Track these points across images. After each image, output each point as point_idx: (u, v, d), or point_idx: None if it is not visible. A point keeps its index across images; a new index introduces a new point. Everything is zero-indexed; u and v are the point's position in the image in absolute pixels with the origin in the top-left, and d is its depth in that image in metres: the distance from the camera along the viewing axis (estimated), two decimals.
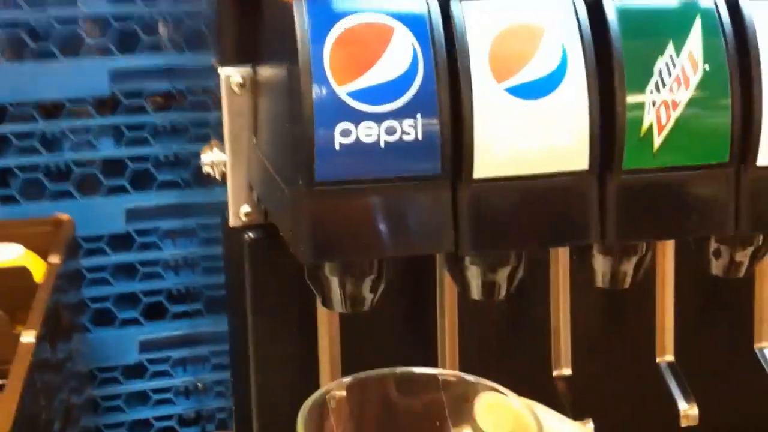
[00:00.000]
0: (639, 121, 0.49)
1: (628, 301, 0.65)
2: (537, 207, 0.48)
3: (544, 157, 0.48)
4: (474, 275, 0.53)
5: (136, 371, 1.06)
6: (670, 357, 0.67)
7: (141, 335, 1.05)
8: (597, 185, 0.49)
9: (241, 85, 0.58)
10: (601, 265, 0.55)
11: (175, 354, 1.06)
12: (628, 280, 0.55)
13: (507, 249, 0.50)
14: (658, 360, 0.68)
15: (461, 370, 0.56)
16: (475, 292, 0.54)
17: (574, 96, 0.48)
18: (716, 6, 0.50)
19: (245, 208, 0.60)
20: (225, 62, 0.58)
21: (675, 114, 0.49)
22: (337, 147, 0.45)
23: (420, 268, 0.60)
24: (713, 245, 0.57)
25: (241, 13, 0.59)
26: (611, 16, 0.49)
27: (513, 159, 0.48)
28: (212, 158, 0.61)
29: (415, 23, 0.47)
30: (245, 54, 0.59)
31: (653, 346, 0.67)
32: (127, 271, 1.06)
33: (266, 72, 0.55)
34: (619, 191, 0.49)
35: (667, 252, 0.65)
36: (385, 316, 0.59)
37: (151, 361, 1.05)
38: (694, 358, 0.67)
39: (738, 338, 0.68)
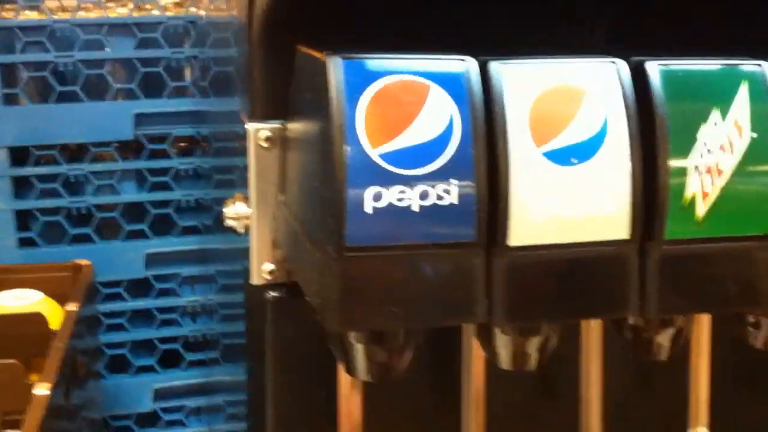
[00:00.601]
0: (682, 189, 0.47)
1: (661, 370, 0.62)
2: (574, 277, 0.46)
3: (583, 225, 0.45)
4: (505, 344, 0.51)
5: (150, 419, 1.04)
6: (704, 430, 0.65)
7: (156, 383, 1.03)
8: (637, 255, 0.47)
9: (270, 140, 0.56)
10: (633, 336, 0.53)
11: (190, 403, 1.04)
12: (665, 351, 0.53)
13: (541, 320, 0.48)
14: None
15: None
16: (505, 362, 0.51)
17: (615, 162, 0.46)
18: (763, 71, 0.49)
19: (268, 266, 0.58)
20: (254, 116, 0.56)
21: (720, 182, 0.47)
22: (370, 211, 0.43)
23: (447, 333, 0.58)
24: (752, 317, 0.55)
25: (273, 65, 0.57)
26: (655, 79, 0.47)
27: (550, 226, 0.45)
28: (236, 211, 0.59)
29: (451, 83, 0.45)
30: (275, 108, 0.57)
31: (686, 417, 0.64)
32: (144, 317, 1.04)
33: (297, 128, 0.53)
34: (660, 262, 0.47)
35: (702, 321, 0.62)
36: (410, 381, 0.57)
37: (166, 410, 1.03)
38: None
39: None
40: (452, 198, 0.44)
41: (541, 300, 0.46)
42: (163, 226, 1.04)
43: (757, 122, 0.48)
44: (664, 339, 0.52)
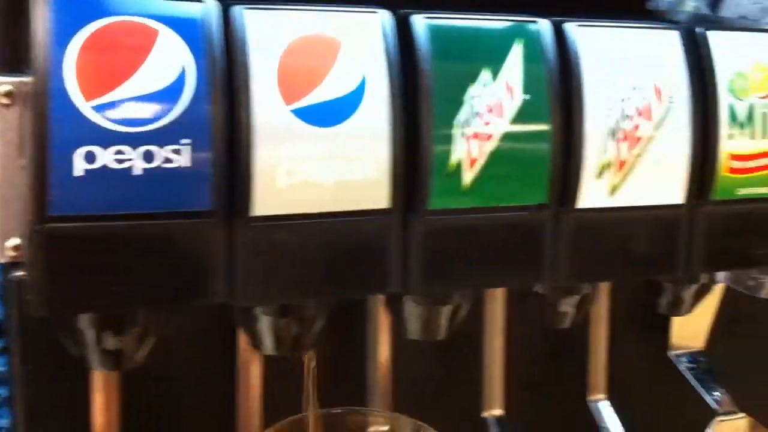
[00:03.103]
0: (446, 155, 0.41)
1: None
2: (329, 251, 0.40)
3: (339, 193, 0.39)
4: (267, 328, 0.45)
5: None
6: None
7: None
8: (399, 227, 0.41)
9: (11, 95, 0.47)
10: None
11: None
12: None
13: (283, 299, 0.41)
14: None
15: None
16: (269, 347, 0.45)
17: (374, 123, 0.39)
18: (540, 29, 0.44)
19: (13, 241, 0.49)
20: None
21: (488, 147, 0.42)
22: (80, 174, 0.36)
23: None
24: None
25: (14, 11, 0.49)
26: (420, 34, 0.41)
27: (300, 194, 0.39)
28: None
29: (185, 28, 0.37)
30: (19, 60, 0.48)
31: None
32: None
33: (27, 82, 0.45)
34: (423, 234, 0.42)
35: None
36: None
37: None
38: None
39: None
40: (183, 160, 0.37)
41: (293, 275, 0.40)
42: None
43: (530, 84, 0.43)
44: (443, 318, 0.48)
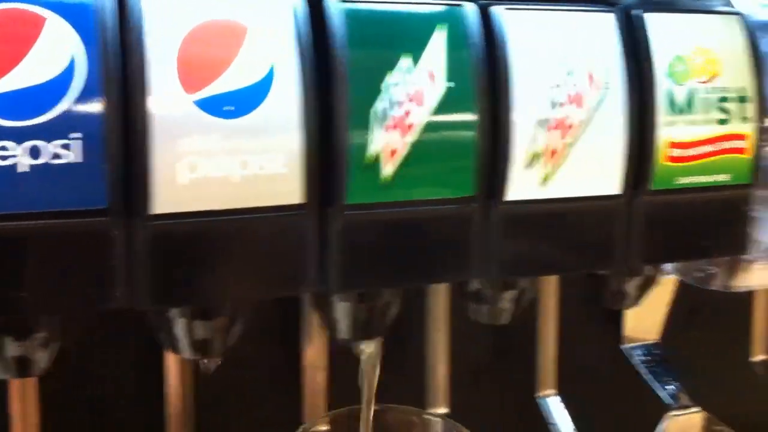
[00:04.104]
0: (363, 147, 0.38)
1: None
2: (239, 249, 0.37)
3: (247, 188, 0.36)
4: (182, 331, 0.42)
5: None
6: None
7: None
8: (315, 223, 0.39)
9: None
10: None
11: None
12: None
13: (197, 304, 0.39)
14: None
15: None
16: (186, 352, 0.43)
17: (284, 114, 0.37)
18: (464, 12, 0.41)
19: None
20: None
21: (409, 138, 0.40)
22: None
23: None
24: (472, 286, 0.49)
25: None
26: (335, 18, 0.39)
27: (205, 191, 0.36)
28: None
29: (76, 15, 0.35)
30: None
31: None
32: None
33: None
34: (341, 230, 0.39)
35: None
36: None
37: None
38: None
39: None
40: (74, 155, 0.34)
41: (201, 280, 0.37)
42: None
43: (454, 71, 0.40)
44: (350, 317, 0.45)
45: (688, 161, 0.45)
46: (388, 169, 0.39)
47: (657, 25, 0.44)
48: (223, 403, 0.54)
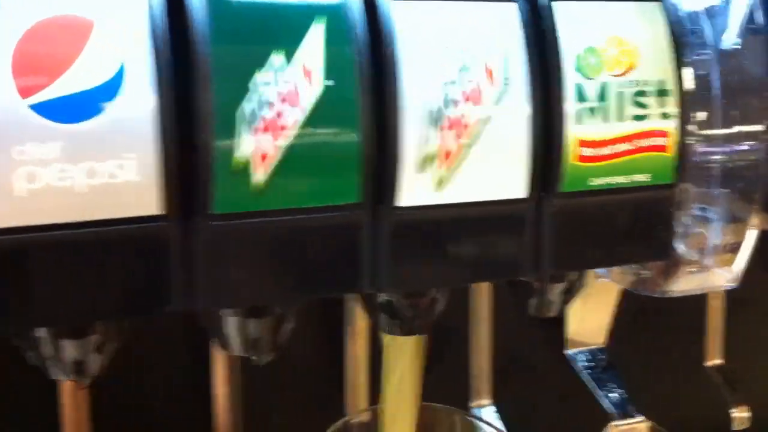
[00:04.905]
0: (230, 151, 0.35)
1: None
2: (87, 267, 0.33)
3: (96, 199, 0.33)
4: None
5: None
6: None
7: None
8: (178, 235, 0.35)
9: None
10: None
11: None
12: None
13: (37, 324, 0.36)
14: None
15: None
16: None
17: (136, 116, 0.33)
18: (345, 5, 0.38)
19: None
20: None
21: (283, 141, 0.37)
22: None
23: None
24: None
25: None
26: (198, 11, 0.34)
27: (46, 202, 0.33)
28: None
29: None
30: None
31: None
32: None
33: None
34: (208, 242, 0.35)
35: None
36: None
37: None
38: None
39: None
40: None
41: (41, 299, 0.34)
42: None
43: (333, 67, 0.37)
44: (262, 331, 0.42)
45: (602, 161, 0.41)
46: (259, 175, 0.35)
47: (566, 14, 0.40)
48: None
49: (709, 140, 0.48)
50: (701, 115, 0.49)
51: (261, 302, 0.38)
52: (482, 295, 0.57)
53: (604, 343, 0.62)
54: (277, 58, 0.36)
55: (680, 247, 0.49)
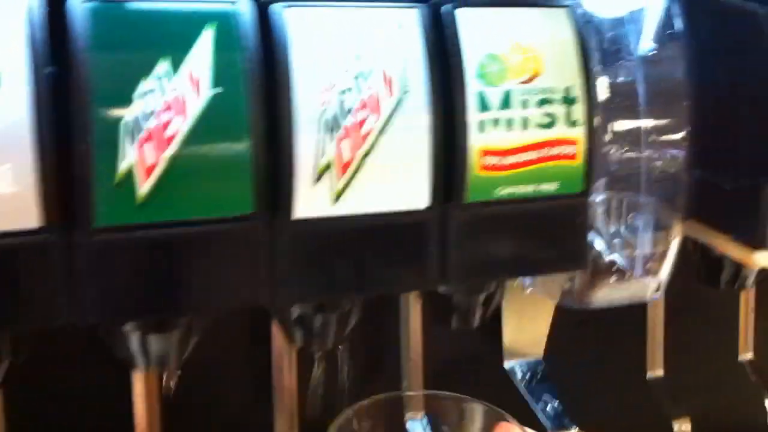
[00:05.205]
0: (112, 161, 0.34)
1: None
2: None
3: None
4: None
5: None
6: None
7: None
8: (61, 248, 0.34)
9: None
10: None
11: None
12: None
13: None
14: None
15: None
16: None
17: (12, 126, 0.32)
18: (236, 11, 0.37)
19: None
20: None
21: (168, 151, 0.36)
22: None
23: None
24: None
25: None
26: (78, 17, 0.34)
27: None
28: None
29: None
30: None
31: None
32: None
33: None
34: (91, 256, 0.34)
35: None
36: None
37: None
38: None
39: None
40: None
41: None
42: None
43: (222, 75, 0.36)
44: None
45: (508, 170, 0.40)
46: (144, 186, 0.34)
47: (469, 21, 0.40)
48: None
49: (630, 147, 0.48)
50: (622, 123, 0.49)
51: (148, 317, 0.37)
52: (415, 306, 0.56)
53: (543, 354, 0.62)
54: (162, 66, 0.35)
55: (607, 257, 0.49)
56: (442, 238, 0.40)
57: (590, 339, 0.64)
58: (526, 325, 0.61)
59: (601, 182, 0.52)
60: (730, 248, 0.50)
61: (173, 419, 0.48)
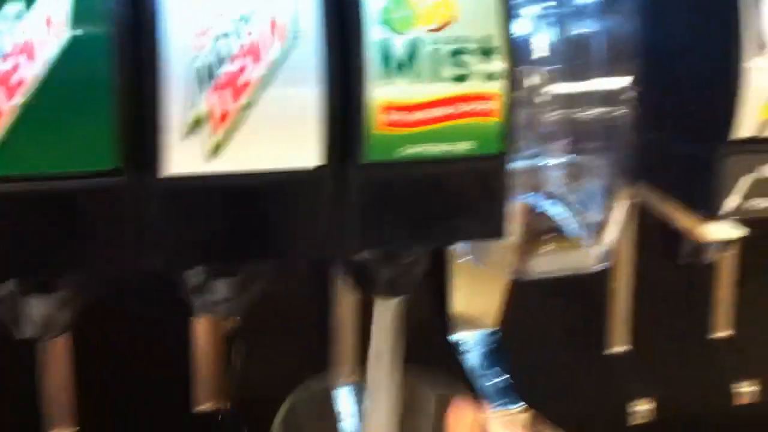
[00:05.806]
0: None
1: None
2: None
3: None
4: None
5: None
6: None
7: None
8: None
9: None
10: None
11: None
12: None
13: None
14: None
15: None
16: None
17: None
18: None
19: None
20: None
21: (18, 99, 0.32)
22: None
23: None
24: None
25: None
26: None
27: None
28: None
29: None
30: None
31: None
32: None
33: None
34: None
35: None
36: None
37: None
38: None
39: None
40: None
41: None
42: None
43: (83, 17, 0.32)
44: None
45: (414, 127, 0.36)
46: None
47: None
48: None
49: (561, 104, 0.44)
50: (569, 83, 0.45)
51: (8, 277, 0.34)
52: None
53: (495, 326, 0.58)
54: (13, 6, 0.32)
55: (562, 222, 0.45)
56: (338, 200, 0.36)
57: (548, 311, 0.61)
58: (476, 296, 0.57)
59: (557, 145, 0.49)
60: (680, 218, 0.46)
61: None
